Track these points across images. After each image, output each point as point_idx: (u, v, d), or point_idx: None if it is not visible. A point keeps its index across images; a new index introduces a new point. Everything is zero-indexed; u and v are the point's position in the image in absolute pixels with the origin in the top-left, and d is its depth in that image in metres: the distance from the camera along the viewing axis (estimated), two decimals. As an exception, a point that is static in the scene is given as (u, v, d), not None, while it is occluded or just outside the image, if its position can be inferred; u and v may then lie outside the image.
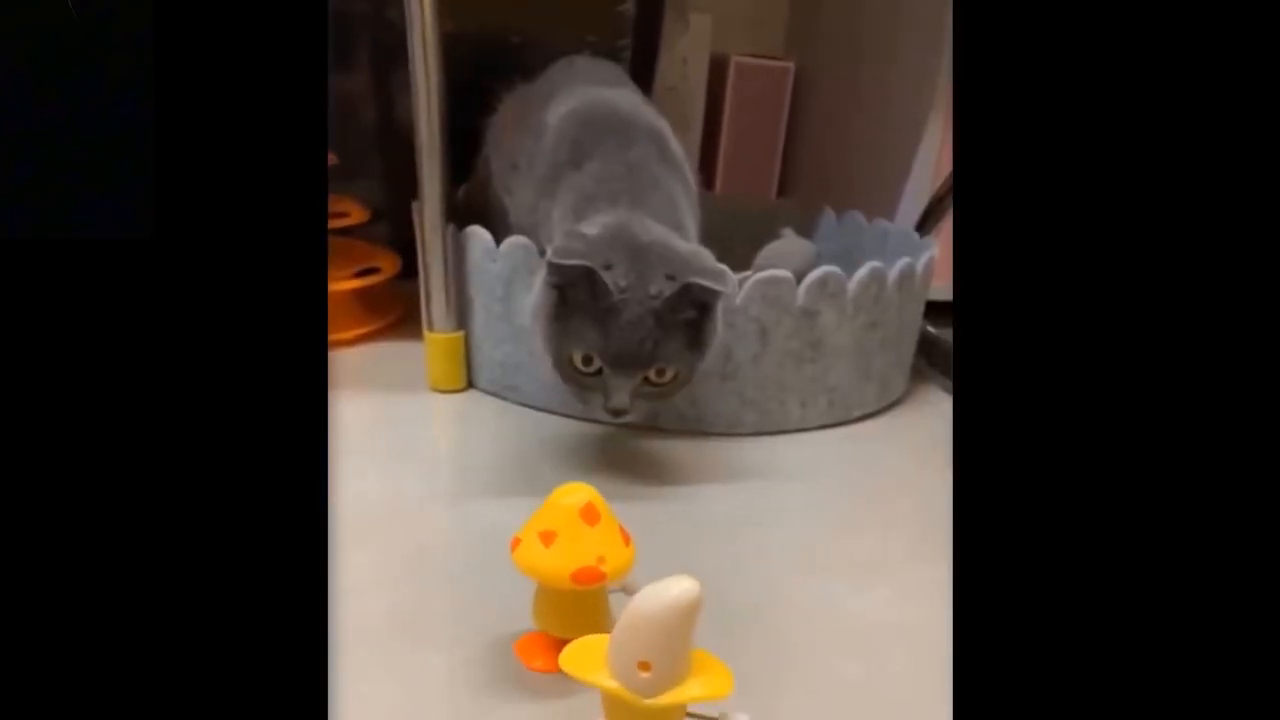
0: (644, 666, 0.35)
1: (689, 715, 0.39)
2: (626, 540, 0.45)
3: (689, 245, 0.62)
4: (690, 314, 0.58)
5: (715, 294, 0.57)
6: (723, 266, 0.59)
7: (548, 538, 0.43)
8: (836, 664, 0.48)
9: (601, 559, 0.43)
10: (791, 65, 1.31)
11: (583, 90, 0.76)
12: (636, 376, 0.58)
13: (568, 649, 0.39)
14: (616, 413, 0.59)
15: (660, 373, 0.59)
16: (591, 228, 0.61)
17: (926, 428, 0.83)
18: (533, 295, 0.62)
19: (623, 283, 0.56)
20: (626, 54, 1.07)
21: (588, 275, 0.56)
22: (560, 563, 0.43)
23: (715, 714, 0.39)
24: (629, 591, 0.46)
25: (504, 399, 0.79)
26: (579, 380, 0.60)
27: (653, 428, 0.75)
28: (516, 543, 0.44)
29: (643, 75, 1.09)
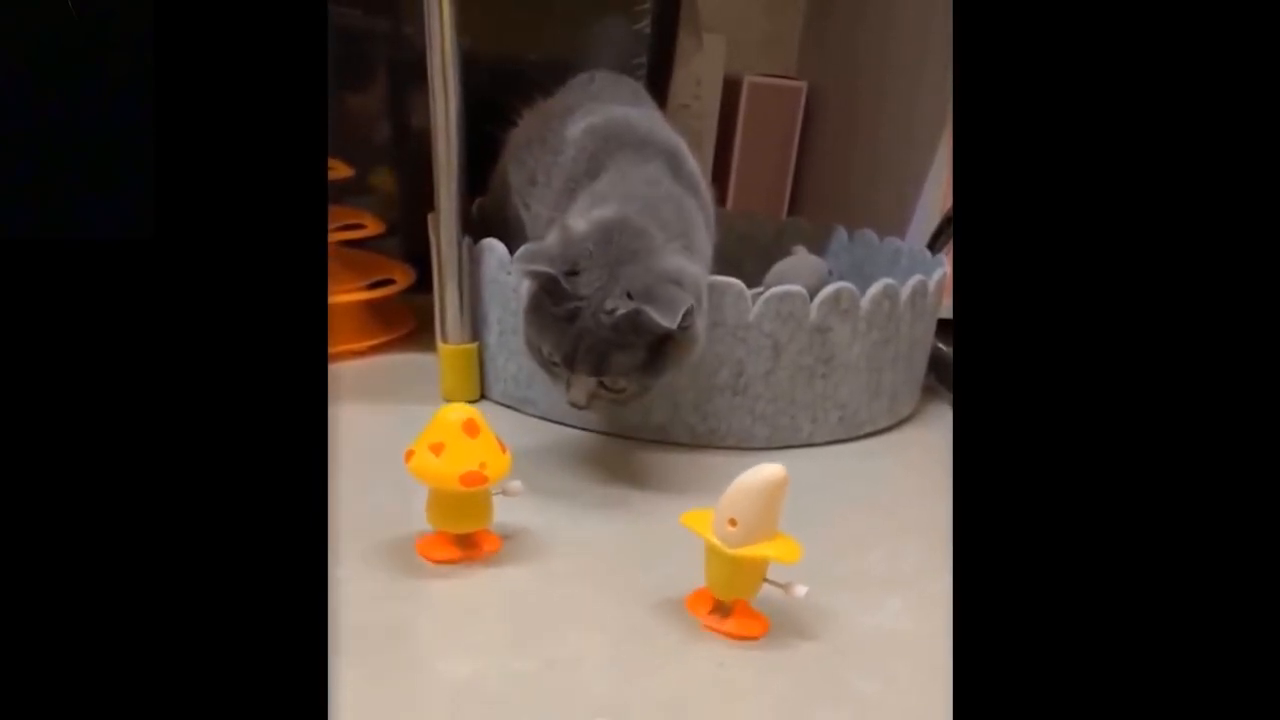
0: (732, 523, 0.46)
1: (766, 580, 0.49)
2: (503, 449, 0.53)
3: (672, 262, 0.61)
4: (646, 337, 0.58)
5: (659, 327, 0.57)
6: (685, 299, 0.57)
7: (437, 449, 0.51)
8: (850, 679, 0.48)
9: (483, 465, 0.51)
10: (804, 85, 1.31)
11: (602, 106, 0.77)
12: (591, 380, 0.61)
13: (687, 513, 0.49)
14: (574, 404, 0.62)
15: (615, 380, 0.61)
16: (582, 222, 0.62)
17: (936, 444, 0.82)
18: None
19: (583, 291, 0.58)
20: (642, 73, 1.07)
21: (550, 280, 0.58)
22: (449, 468, 0.50)
23: (783, 583, 0.49)
24: (508, 493, 0.55)
25: (517, 411, 0.79)
26: (547, 369, 0.63)
27: (664, 441, 0.75)
28: (410, 454, 0.51)
29: (656, 94, 1.10)
